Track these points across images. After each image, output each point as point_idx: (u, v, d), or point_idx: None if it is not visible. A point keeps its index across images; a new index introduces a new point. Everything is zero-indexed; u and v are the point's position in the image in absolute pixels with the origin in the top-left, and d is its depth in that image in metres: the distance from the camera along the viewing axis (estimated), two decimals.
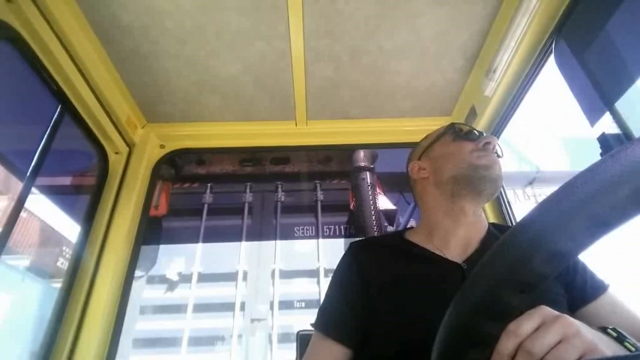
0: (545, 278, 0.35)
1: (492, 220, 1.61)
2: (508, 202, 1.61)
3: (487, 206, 1.63)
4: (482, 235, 0.92)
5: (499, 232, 0.96)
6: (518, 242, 0.36)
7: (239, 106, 1.74)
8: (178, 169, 3.60)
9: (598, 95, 1.08)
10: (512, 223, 1.56)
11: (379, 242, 1.03)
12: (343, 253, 1.01)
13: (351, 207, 4.78)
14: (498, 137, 1.66)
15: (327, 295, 0.95)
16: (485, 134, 1.01)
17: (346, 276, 0.94)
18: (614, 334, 0.49)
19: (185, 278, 6.18)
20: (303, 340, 1.18)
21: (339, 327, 0.86)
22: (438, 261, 0.88)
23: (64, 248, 6.82)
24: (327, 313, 0.91)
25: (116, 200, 1.58)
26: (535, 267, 0.34)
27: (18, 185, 1.26)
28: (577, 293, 0.81)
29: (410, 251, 0.93)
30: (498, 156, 0.97)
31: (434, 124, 1.84)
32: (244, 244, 6.10)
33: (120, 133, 1.64)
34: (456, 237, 0.91)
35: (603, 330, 0.51)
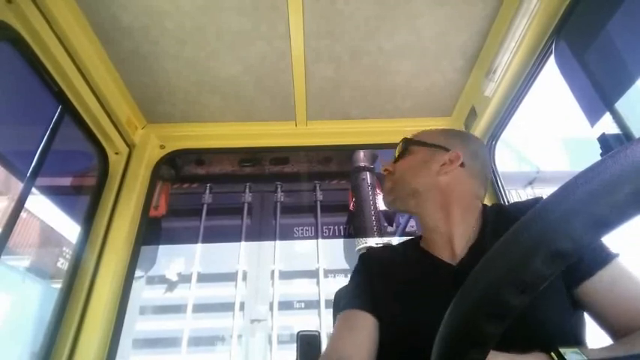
0: (546, 278, 0.35)
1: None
2: (508, 202, 1.61)
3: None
4: (472, 231, 0.90)
5: (497, 216, 0.91)
6: (519, 242, 0.36)
7: (239, 106, 1.74)
8: (178, 169, 3.61)
9: (598, 96, 1.08)
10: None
11: (392, 250, 1.03)
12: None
13: (351, 207, 4.79)
14: (499, 137, 1.66)
15: (346, 291, 0.99)
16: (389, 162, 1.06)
17: (355, 281, 0.98)
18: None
19: (185, 278, 6.18)
20: (303, 341, 1.18)
21: (364, 300, 0.88)
22: (433, 265, 0.88)
23: (64, 249, 6.83)
24: (349, 295, 0.94)
25: (116, 201, 1.58)
26: (535, 267, 0.35)
27: (18, 186, 1.26)
28: (572, 269, 0.74)
29: (417, 259, 0.93)
30: (396, 160, 1.02)
31: (434, 124, 1.84)
32: (244, 244, 6.10)
33: (120, 133, 1.64)
34: (445, 241, 0.91)
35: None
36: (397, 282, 0.88)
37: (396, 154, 1.04)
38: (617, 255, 0.74)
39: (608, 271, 0.72)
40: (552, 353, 0.49)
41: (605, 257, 0.73)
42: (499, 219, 0.90)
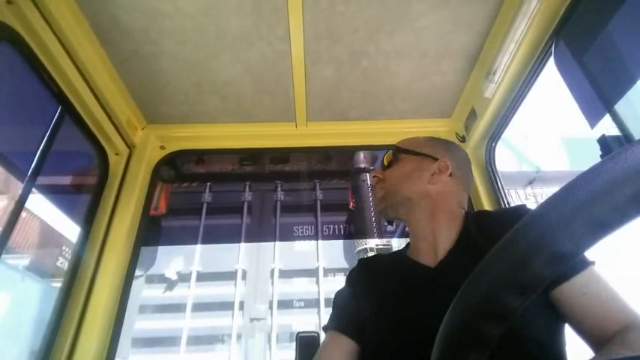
0: (546, 280, 0.35)
1: None
2: (508, 203, 1.61)
3: (486, 206, 1.63)
4: (453, 237, 0.92)
5: (478, 221, 0.93)
6: (519, 243, 0.36)
7: (239, 107, 1.74)
8: (178, 169, 3.61)
9: (598, 97, 1.08)
10: None
11: (379, 261, 1.07)
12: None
13: (351, 206, 4.79)
14: (499, 138, 1.67)
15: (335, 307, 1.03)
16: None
17: (342, 299, 1.02)
18: None
19: (184, 277, 6.19)
20: (302, 342, 1.17)
21: (347, 323, 0.93)
22: (413, 270, 0.91)
23: (63, 248, 6.82)
24: (335, 314, 0.99)
25: (116, 201, 1.58)
26: (535, 269, 0.35)
27: (18, 186, 1.26)
28: None
29: (400, 267, 0.97)
30: (378, 178, 1.05)
31: (434, 125, 1.86)
32: (243, 243, 6.11)
33: (120, 134, 1.64)
34: (429, 247, 0.93)
35: None
36: (380, 293, 0.91)
37: (386, 162, 1.06)
38: (592, 263, 0.76)
39: (582, 277, 0.73)
40: None
41: (580, 264, 0.74)
42: (480, 223, 0.92)
